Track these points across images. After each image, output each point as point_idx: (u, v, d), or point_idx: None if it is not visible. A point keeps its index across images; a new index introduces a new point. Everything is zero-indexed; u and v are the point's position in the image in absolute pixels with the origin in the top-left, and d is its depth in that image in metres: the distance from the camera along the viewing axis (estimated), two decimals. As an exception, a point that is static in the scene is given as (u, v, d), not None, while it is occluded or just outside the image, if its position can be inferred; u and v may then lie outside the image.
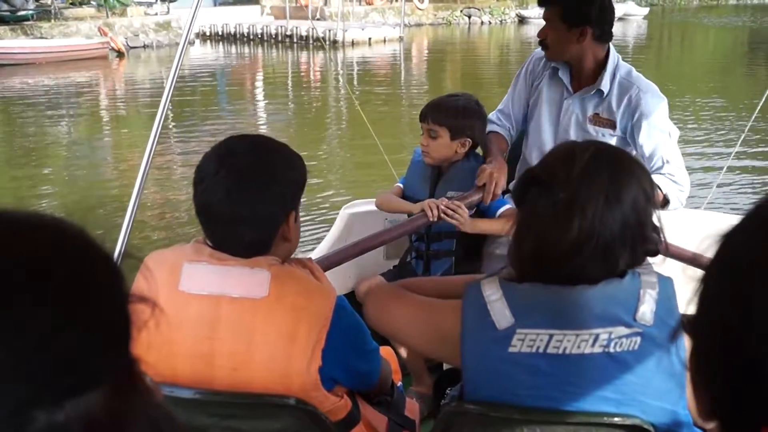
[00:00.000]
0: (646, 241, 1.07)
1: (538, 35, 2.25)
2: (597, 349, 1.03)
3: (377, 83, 13.05)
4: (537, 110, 2.41)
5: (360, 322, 1.27)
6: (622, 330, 1.03)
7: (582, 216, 1.02)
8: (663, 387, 1.05)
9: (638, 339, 1.03)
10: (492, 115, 2.51)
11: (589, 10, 2.16)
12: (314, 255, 2.32)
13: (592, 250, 1.03)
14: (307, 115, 11.51)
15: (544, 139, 2.37)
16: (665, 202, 2.16)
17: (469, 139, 2.29)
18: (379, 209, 2.44)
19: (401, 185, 2.44)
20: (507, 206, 2.24)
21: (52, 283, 0.48)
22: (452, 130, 2.27)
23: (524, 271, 1.09)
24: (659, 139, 2.20)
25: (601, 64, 2.25)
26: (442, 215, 2.12)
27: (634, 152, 2.22)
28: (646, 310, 1.04)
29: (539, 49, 2.40)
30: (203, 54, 21.42)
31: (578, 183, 1.04)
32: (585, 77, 2.30)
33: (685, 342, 1.06)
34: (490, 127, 2.44)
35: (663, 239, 1.09)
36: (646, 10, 31.99)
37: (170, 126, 10.04)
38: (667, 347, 1.04)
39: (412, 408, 1.63)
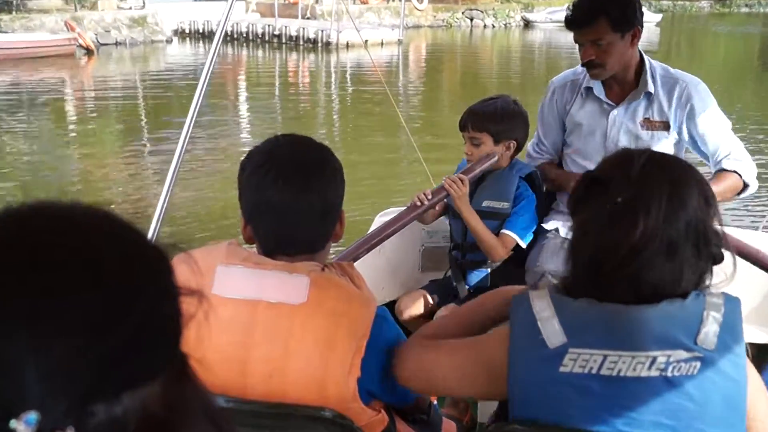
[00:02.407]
0: (709, 244, 1.13)
1: (585, 57, 2.36)
2: (654, 373, 1.08)
3: (372, 101, 13.24)
4: (577, 134, 2.55)
5: (401, 335, 1.35)
6: (682, 354, 1.08)
7: (646, 215, 1.08)
8: (722, 415, 1.09)
9: (698, 364, 1.08)
10: (530, 149, 2.67)
11: (634, 10, 2.31)
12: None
13: (657, 248, 1.08)
14: (296, 124, 11.63)
15: (595, 159, 2.51)
16: (744, 187, 2.35)
17: (513, 141, 2.42)
18: (423, 222, 2.60)
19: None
20: (514, 234, 2.38)
21: (106, 272, 0.52)
22: (495, 135, 2.40)
23: (580, 280, 1.15)
24: (719, 127, 2.37)
25: (637, 67, 2.41)
26: (449, 186, 2.32)
27: (690, 149, 2.41)
28: (709, 333, 1.09)
29: (557, 77, 2.59)
30: (182, 53, 21.60)
31: (639, 183, 1.11)
32: (627, 84, 2.43)
33: (748, 369, 1.13)
34: (534, 163, 2.59)
35: (728, 244, 1.15)
36: (659, 17, 32.63)
37: (144, 134, 10.13)
38: (729, 374, 1.10)
39: (449, 428, 1.70)
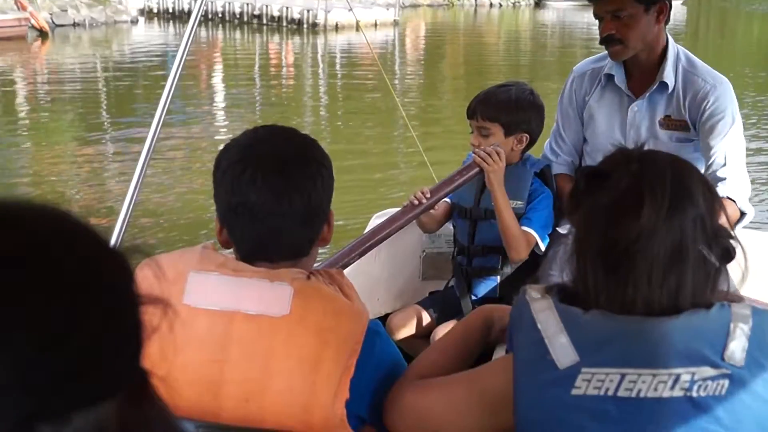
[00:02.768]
0: (718, 236, 1.14)
1: (604, 31, 2.36)
2: (677, 393, 1.08)
3: (365, 87, 13.24)
4: (593, 130, 2.56)
5: (396, 352, 1.35)
6: (708, 371, 1.08)
7: (652, 197, 1.10)
8: None
9: (726, 382, 1.08)
10: (546, 149, 2.67)
11: None
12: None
13: (665, 235, 1.10)
14: (279, 114, 11.63)
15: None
16: (741, 216, 2.34)
17: (526, 134, 2.43)
18: (425, 230, 2.61)
19: (446, 200, 2.57)
20: (534, 233, 2.39)
21: (57, 279, 0.52)
22: (506, 126, 2.41)
23: (588, 274, 1.15)
24: (726, 139, 2.35)
25: (662, 53, 2.41)
26: (482, 160, 2.33)
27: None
28: (737, 348, 1.09)
29: (579, 65, 2.59)
30: (149, 36, 21.59)
31: (641, 172, 1.13)
32: (651, 72, 2.43)
33: None
34: (552, 168, 2.58)
35: (736, 237, 1.16)
36: (685, -5, 33.02)
37: (106, 128, 10.11)
38: (761, 394, 1.09)
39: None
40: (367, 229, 2.84)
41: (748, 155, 2.50)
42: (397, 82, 14.32)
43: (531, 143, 2.48)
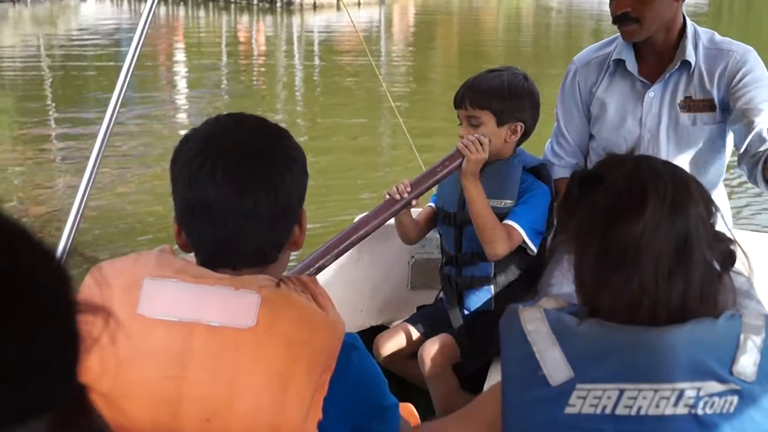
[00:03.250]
0: (719, 240, 1.20)
1: (618, 9, 2.41)
2: (681, 410, 1.12)
3: (347, 74, 13.27)
4: (602, 122, 2.60)
5: (376, 369, 1.38)
6: (715, 386, 1.12)
7: (654, 191, 1.15)
8: None
9: (735, 398, 1.12)
10: (547, 152, 2.71)
11: None
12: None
13: (668, 234, 1.15)
14: (249, 103, 11.64)
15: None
16: None
17: (520, 123, 2.48)
18: (406, 241, 2.64)
19: (431, 205, 2.64)
20: (519, 227, 2.43)
21: None
22: (498, 114, 2.45)
23: (591, 295, 1.19)
24: (766, 96, 2.39)
25: (679, 35, 2.47)
26: (464, 148, 2.38)
27: (731, 129, 2.47)
28: (748, 361, 1.13)
29: (579, 55, 2.65)
30: (100, 14, 21.52)
31: (637, 168, 1.18)
32: (667, 55, 2.49)
33: None
34: (553, 172, 2.63)
35: (737, 244, 1.22)
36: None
37: (50, 118, 10.07)
38: None
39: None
40: None
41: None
42: (383, 70, 14.37)
43: (526, 135, 2.52)
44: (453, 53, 18.04)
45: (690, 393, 1.11)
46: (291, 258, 1.41)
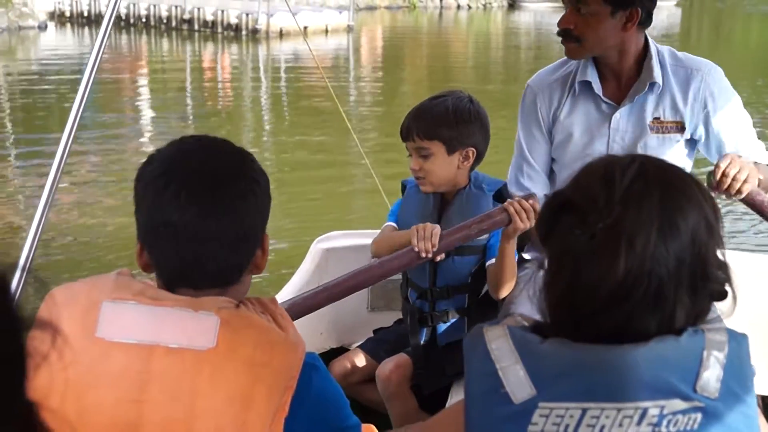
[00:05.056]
0: (709, 280, 1.18)
1: (561, 24, 2.45)
2: (644, 429, 1.13)
3: (312, 100, 13.34)
4: (566, 148, 2.61)
5: (337, 389, 1.41)
6: (678, 404, 1.13)
7: (629, 250, 1.13)
8: None
9: (699, 416, 1.13)
10: (512, 184, 2.67)
11: None
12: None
13: (643, 294, 1.14)
14: (215, 131, 11.65)
15: None
16: None
17: (471, 148, 2.48)
18: (377, 256, 2.58)
19: (392, 224, 2.62)
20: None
21: None
22: (448, 142, 2.45)
23: (556, 324, 1.21)
24: (741, 124, 2.50)
25: (641, 55, 2.51)
26: (515, 213, 2.24)
27: (703, 151, 2.55)
28: (711, 378, 1.14)
29: (535, 78, 2.66)
30: (60, 44, 21.47)
31: (623, 208, 1.16)
32: (627, 77, 2.53)
33: (760, 422, 1.19)
34: None
35: (731, 279, 1.21)
36: (678, -5, 34.13)
37: (9, 146, 10.05)
38: (737, 427, 1.15)
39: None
40: (309, 255, 2.90)
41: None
42: (352, 98, 14.48)
43: (479, 158, 2.52)
44: (422, 76, 18.21)
45: (653, 411, 1.13)
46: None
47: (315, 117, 11.95)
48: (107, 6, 2.42)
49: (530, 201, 2.28)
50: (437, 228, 2.27)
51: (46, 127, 11.20)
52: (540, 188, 2.63)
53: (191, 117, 13.28)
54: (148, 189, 1.33)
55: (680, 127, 2.53)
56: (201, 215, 1.30)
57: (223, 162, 1.36)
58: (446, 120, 2.45)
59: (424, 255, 2.24)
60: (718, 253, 1.21)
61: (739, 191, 2.24)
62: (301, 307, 2.10)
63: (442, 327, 2.59)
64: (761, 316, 2.70)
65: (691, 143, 2.58)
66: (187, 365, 1.27)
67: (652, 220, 1.15)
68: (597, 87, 2.54)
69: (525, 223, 2.26)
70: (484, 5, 32.63)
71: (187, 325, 1.28)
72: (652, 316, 1.16)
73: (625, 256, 1.13)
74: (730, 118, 2.52)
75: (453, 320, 2.58)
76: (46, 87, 14.76)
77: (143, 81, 16.83)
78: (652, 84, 2.49)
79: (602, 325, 1.16)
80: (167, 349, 1.27)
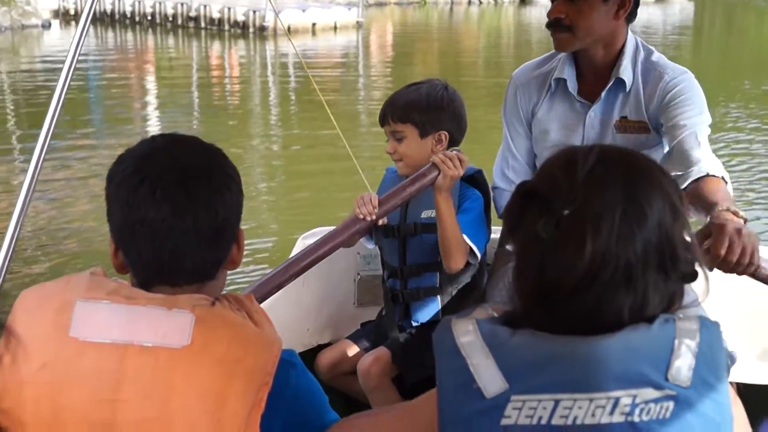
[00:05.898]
0: (678, 261, 1.21)
1: (552, 13, 2.48)
2: (617, 418, 1.15)
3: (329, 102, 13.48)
4: (544, 146, 2.65)
5: (315, 386, 1.42)
6: (650, 392, 1.15)
7: (595, 235, 1.16)
8: None
9: (671, 404, 1.15)
10: (497, 176, 2.76)
11: None
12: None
13: (611, 276, 1.16)
14: (228, 134, 11.74)
15: None
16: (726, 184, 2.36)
17: (444, 132, 2.58)
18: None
19: None
20: (466, 238, 2.52)
21: None
22: (420, 125, 2.57)
23: (528, 313, 1.23)
24: (702, 130, 2.43)
25: (620, 52, 2.52)
26: (441, 162, 2.41)
27: (665, 148, 2.49)
28: (682, 366, 1.16)
29: (519, 71, 2.71)
30: (65, 42, 21.55)
31: (585, 192, 1.19)
32: (603, 73, 2.54)
33: (734, 410, 1.21)
34: (502, 198, 2.70)
35: (700, 260, 1.24)
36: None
37: (14, 150, 10.14)
38: (710, 416, 1.16)
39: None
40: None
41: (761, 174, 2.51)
42: (361, 95, 14.53)
43: (454, 143, 2.61)
44: (433, 69, 18.22)
45: (625, 401, 1.14)
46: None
47: (314, 113, 12.01)
48: (85, 4, 2.43)
49: (454, 151, 2.48)
50: (374, 194, 2.49)
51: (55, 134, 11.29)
52: (521, 177, 2.62)
53: (198, 113, 13.35)
54: (121, 188, 1.35)
55: (644, 128, 2.53)
56: (177, 211, 1.33)
57: (196, 158, 1.39)
58: (419, 104, 2.58)
59: (368, 218, 2.41)
60: (685, 235, 1.23)
61: (745, 272, 1.98)
62: (262, 292, 2.14)
63: (416, 307, 2.67)
64: (745, 304, 2.72)
65: (660, 147, 2.55)
66: (162, 363, 1.28)
67: (616, 203, 1.18)
68: (572, 85, 2.57)
69: (453, 170, 2.43)
70: (495, 0, 32.63)
71: (161, 324, 1.30)
72: (624, 298, 1.18)
73: (592, 240, 1.16)
74: (685, 115, 2.46)
75: (426, 300, 2.65)
76: (50, 88, 14.85)
77: (150, 81, 16.90)
78: (619, 80, 2.50)
79: (574, 312, 1.18)
80: (141, 348, 1.29)
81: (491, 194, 2.72)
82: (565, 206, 1.18)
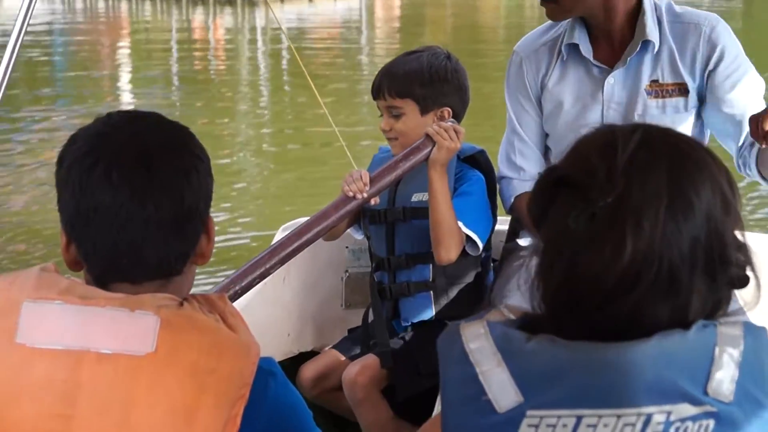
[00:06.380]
0: (727, 264, 1.17)
1: None
2: None
3: (326, 74, 13.46)
4: (556, 119, 2.64)
5: (297, 399, 1.41)
6: (687, 409, 1.12)
7: (636, 231, 1.12)
8: None
9: (711, 423, 1.13)
10: (502, 163, 2.72)
11: None
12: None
13: (653, 280, 1.13)
14: (207, 108, 11.77)
15: None
16: None
17: (447, 108, 2.56)
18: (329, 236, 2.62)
19: None
20: (461, 224, 2.49)
21: None
22: (421, 101, 2.54)
23: (553, 318, 1.20)
24: (755, 83, 2.47)
25: (634, 13, 2.49)
26: (436, 134, 2.41)
27: (715, 119, 2.52)
28: (724, 378, 1.13)
29: (522, 42, 2.70)
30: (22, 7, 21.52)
31: (626, 181, 1.15)
32: (620, 38, 2.52)
33: None
34: (511, 188, 2.66)
35: (752, 262, 1.20)
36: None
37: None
38: None
39: None
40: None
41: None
42: (365, 70, 14.54)
43: (455, 120, 2.58)
44: (446, 36, 18.20)
45: (659, 418, 1.12)
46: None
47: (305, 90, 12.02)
48: None
49: (449, 123, 2.48)
50: (365, 171, 2.47)
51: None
52: (533, 165, 2.66)
53: (178, 92, 13.36)
54: (73, 171, 1.32)
55: (683, 90, 2.52)
56: (137, 196, 1.30)
57: (158, 136, 1.36)
58: (420, 77, 2.55)
59: (359, 197, 2.40)
60: (737, 233, 1.20)
61: None
62: (240, 284, 2.13)
63: (405, 304, 2.64)
64: None
65: (700, 114, 2.56)
66: (122, 373, 1.27)
67: (660, 194, 1.15)
68: (586, 49, 2.55)
69: (450, 141, 2.42)
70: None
71: (121, 327, 1.28)
72: (664, 305, 1.15)
73: (633, 238, 1.13)
74: (737, 79, 2.47)
75: (417, 296, 2.62)
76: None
77: (123, 53, 16.91)
78: (646, 42, 2.49)
79: (608, 318, 1.15)
80: (99, 355, 1.27)
81: (497, 186, 2.70)
82: (601, 197, 1.15)
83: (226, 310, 1.35)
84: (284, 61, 15.84)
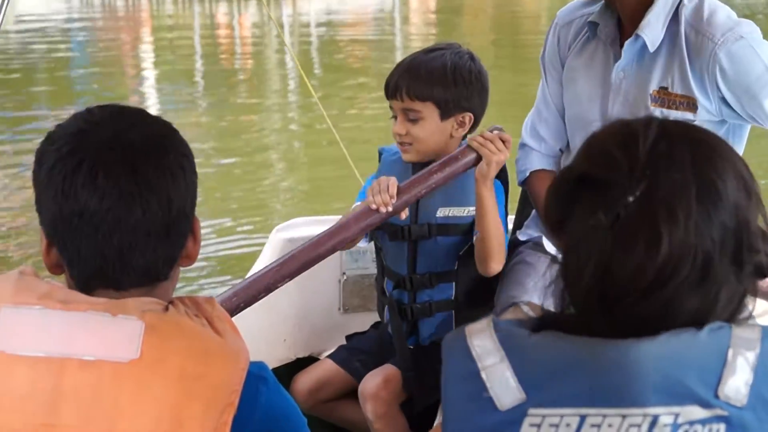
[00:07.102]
0: (755, 251, 1.19)
1: None
2: None
3: (352, 70, 13.43)
4: (571, 97, 2.63)
5: (290, 405, 1.42)
6: (697, 411, 1.13)
7: (671, 223, 1.13)
8: None
9: (722, 427, 1.14)
10: (526, 131, 2.71)
11: None
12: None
13: (688, 273, 1.14)
14: (230, 113, 11.83)
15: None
16: None
17: (469, 114, 2.51)
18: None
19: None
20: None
21: None
22: (442, 104, 2.48)
23: (583, 317, 1.21)
24: None
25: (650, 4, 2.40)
26: (481, 146, 2.35)
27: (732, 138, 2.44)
28: (738, 382, 1.14)
29: (563, 10, 2.68)
30: (42, 8, 21.79)
31: (652, 172, 1.16)
32: (631, 31, 2.44)
33: None
34: (528, 160, 2.66)
35: None
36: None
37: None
38: None
39: None
40: (268, 247, 2.91)
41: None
42: (398, 56, 14.55)
43: (475, 125, 2.55)
44: (485, 26, 18.09)
45: (666, 419, 1.13)
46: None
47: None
48: None
49: (494, 132, 2.41)
50: (393, 179, 2.35)
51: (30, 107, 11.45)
52: (555, 138, 2.67)
53: (202, 96, 13.45)
54: (54, 172, 1.33)
55: (691, 104, 2.41)
56: (124, 199, 1.31)
57: (143, 133, 1.37)
58: (443, 79, 2.48)
59: (383, 210, 2.31)
60: (759, 219, 1.22)
61: None
62: (245, 297, 2.12)
63: (426, 323, 2.61)
64: None
65: (716, 125, 2.44)
66: (106, 380, 1.28)
67: (688, 183, 1.16)
68: (604, 30, 2.50)
69: (498, 154, 2.37)
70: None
71: (105, 333, 1.29)
72: (695, 298, 1.16)
73: (668, 230, 1.14)
74: (757, 102, 2.37)
75: (438, 315, 2.60)
76: (27, 59, 15.04)
77: (146, 50, 17.03)
78: (637, 37, 2.41)
79: (638, 317, 1.16)
80: (82, 362, 1.28)
81: (516, 156, 2.67)
82: (628, 191, 1.16)
83: (213, 314, 1.37)
84: (314, 54, 15.91)
